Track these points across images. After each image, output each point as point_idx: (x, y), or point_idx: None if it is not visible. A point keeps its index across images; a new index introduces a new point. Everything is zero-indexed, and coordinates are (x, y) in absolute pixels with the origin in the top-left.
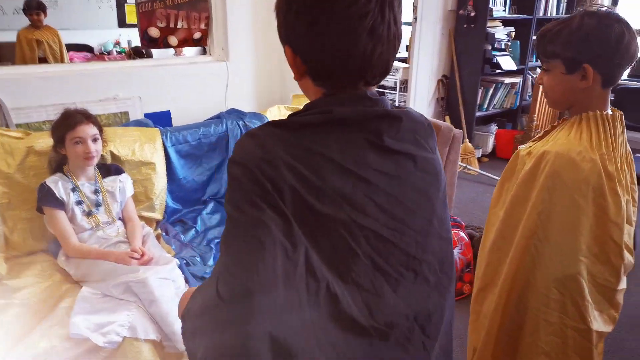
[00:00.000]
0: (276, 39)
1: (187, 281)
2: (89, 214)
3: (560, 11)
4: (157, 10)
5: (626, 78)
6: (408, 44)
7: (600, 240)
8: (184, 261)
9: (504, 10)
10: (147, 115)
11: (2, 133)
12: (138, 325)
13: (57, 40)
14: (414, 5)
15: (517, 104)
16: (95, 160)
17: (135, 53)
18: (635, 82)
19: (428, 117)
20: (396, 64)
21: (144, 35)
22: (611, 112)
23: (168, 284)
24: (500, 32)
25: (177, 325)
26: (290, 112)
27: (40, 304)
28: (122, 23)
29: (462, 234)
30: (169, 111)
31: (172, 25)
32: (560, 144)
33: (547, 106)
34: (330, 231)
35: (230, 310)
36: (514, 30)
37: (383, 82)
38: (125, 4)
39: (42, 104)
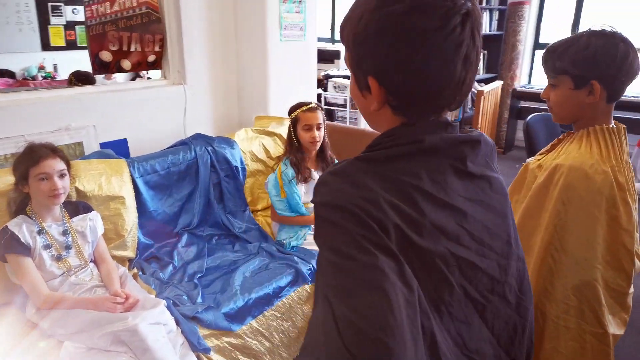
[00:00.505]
0: (233, 60)
1: (177, 323)
2: (58, 259)
3: (492, 28)
4: (108, 33)
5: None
6: None
7: (613, 247)
8: (170, 301)
9: None
10: (102, 145)
11: None
12: None
13: None
14: None
15: (461, 117)
16: (63, 198)
17: (78, 78)
18: None
19: None
20: (345, 81)
21: (95, 60)
22: (615, 126)
23: (159, 328)
24: None
25: None
26: (256, 134)
27: None
28: (45, 46)
29: None
30: (125, 139)
31: (124, 48)
32: (572, 157)
33: (491, 117)
34: (429, 265)
35: None
36: None
37: (332, 100)
38: (49, 26)
39: None
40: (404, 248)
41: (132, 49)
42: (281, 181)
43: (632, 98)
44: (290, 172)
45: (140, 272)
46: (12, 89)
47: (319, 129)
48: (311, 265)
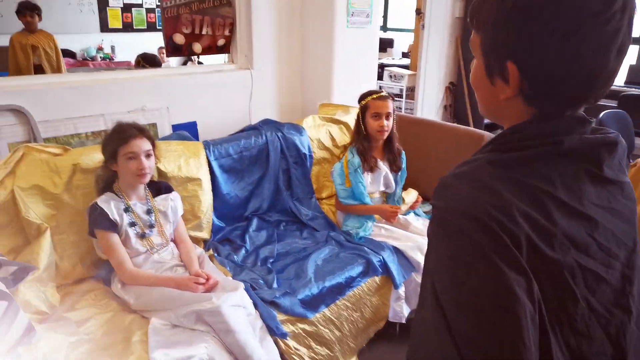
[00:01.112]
0: (298, 46)
1: (256, 306)
2: (142, 236)
3: None
4: (182, 16)
5: (623, 85)
6: (408, 51)
7: None
8: (248, 284)
9: None
10: (174, 127)
11: (41, 149)
12: (216, 357)
13: (52, 45)
14: (420, 12)
15: None
16: (148, 178)
17: (145, 61)
18: (634, 89)
19: None
20: (401, 71)
21: (169, 42)
22: None
23: (240, 311)
24: None
25: (255, 356)
26: (323, 122)
27: (109, 338)
28: (104, 28)
29: None
30: (195, 122)
31: (197, 31)
32: None
33: None
34: (556, 277)
35: None
36: None
37: (388, 89)
38: (108, 8)
39: (70, 116)
40: (533, 260)
41: (204, 32)
42: (347, 170)
43: None
44: (357, 160)
45: (216, 254)
46: (89, 68)
47: (387, 118)
48: (381, 257)
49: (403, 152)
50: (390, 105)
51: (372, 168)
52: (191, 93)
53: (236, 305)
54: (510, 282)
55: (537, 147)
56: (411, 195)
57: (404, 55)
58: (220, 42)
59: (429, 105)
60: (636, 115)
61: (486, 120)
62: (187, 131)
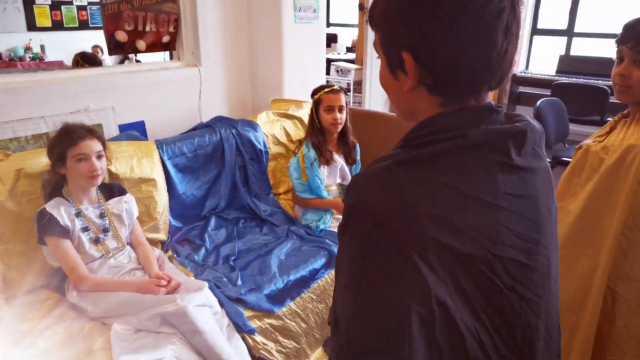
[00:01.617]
0: (246, 41)
1: (221, 304)
2: (96, 241)
3: None
4: (124, 12)
5: (554, 74)
6: (352, 45)
7: None
8: (212, 283)
9: None
10: (121, 127)
11: None
12: (184, 358)
13: None
14: (363, 8)
15: None
16: (100, 180)
17: (85, 60)
18: (565, 78)
19: None
20: (348, 65)
21: (110, 40)
22: None
23: (206, 310)
24: None
25: (224, 354)
26: (277, 117)
27: (69, 348)
28: (31, 26)
29: None
30: (143, 121)
31: (140, 28)
32: None
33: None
34: (472, 271)
35: None
36: None
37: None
38: (34, 5)
39: (7, 119)
40: (445, 258)
41: (147, 29)
42: (303, 164)
43: None
44: (312, 154)
45: (175, 255)
46: (17, 69)
47: (340, 111)
48: None
49: (357, 144)
50: (343, 98)
51: (327, 161)
52: (137, 92)
53: (201, 305)
54: (394, 278)
55: (443, 142)
56: None
57: (348, 50)
58: (165, 38)
59: (376, 98)
60: (569, 102)
61: None
62: (135, 131)
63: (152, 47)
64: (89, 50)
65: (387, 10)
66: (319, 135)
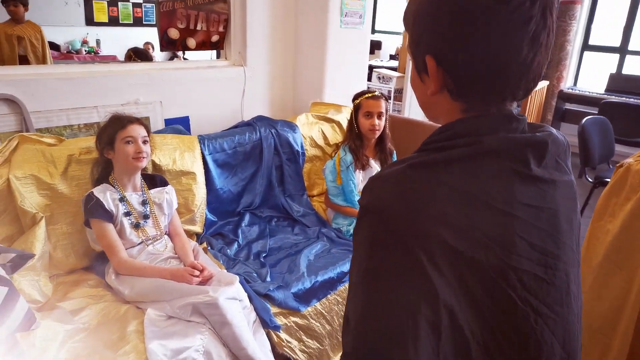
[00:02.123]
0: (291, 44)
1: (250, 299)
2: (137, 227)
3: None
4: (178, 10)
5: (603, 92)
6: (395, 53)
7: None
8: (242, 277)
9: None
10: (167, 121)
11: (36, 139)
12: (212, 349)
13: (39, 37)
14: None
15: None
16: (145, 162)
17: (137, 55)
18: (614, 97)
19: None
20: (390, 72)
21: (163, 36)
22: None
23: (236, 304)
24: None
25: (249, 348)
26: (316, 120)
27: (104, 327)
28: (89, 21)
29: None
30: (188, 117)
31: (191, 26)
32: None
33: (535, 117)
34: (483, 279)
35: None
36: None
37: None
38: (93, 1)
39: (62, 107)
40: (452, 261)
41: (198, 27)
42: (339, 167)
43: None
44: (349, 158)
45: (209, 247)
46: (73, 61)
47: (379, 117)
48: None
49: (394, 152)
50: (383, 104)
51: (363, 166)
52: (184, 88)
53: (232, 298)
54: (407, 289)
55: (458, 148)
56: None
57: (392, 57)
58: (214, 38)
59: (416, 106)
60: (617, 122)
61: None
62: (180, 125)
63: (201, 46)
64: (141, 46)
65: (415, 13)
66: (356, 139)
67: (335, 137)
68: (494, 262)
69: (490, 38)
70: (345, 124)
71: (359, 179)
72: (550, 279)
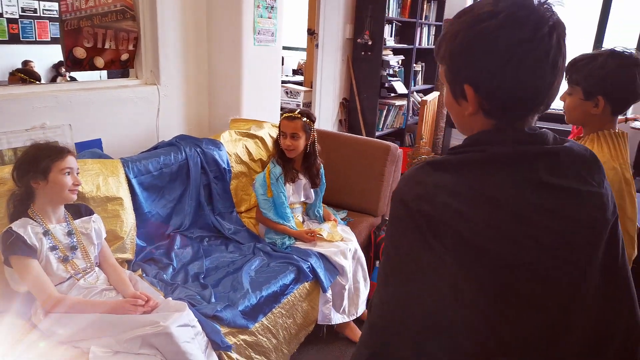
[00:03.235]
0: (205, 61)
1: (199, 323)
2: (65, 260)
3: (430, 42)
4: (84, 29)
5: None
6: (297, 68)
7: None
8: (186, 302)
9: (391, 40)
10: (78, 145)
11: None
12: None
13: None
14: (313, 32)
15: (405, 124)
16: (76, 196)
17: (28, 75)
18: None
19: None
20: (297, 87)
21: (68, 56)
22: (619, 131)
23: (188, 331)
24: (392, 60)
25: None
26: (239, 137)
27: None
28: None
29: None
30: (100, 139)
31: (99, 45)
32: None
33: (430, 125)
34: (492, 269)
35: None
36: (403, 57)
37: (285, 105)
38: None
39: None
40: (457, 244)
41: (107, 46)
42: (269, 180)
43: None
44: (278, 170)
45: (144, 274)
46: None
47: (292, 137)
48: (310, 263)
49: (322, 166)
50: (298, 125)
51: (292, 179)
52: (94, 109)
53: (184, 325)
54: (421, 273)
55: (468, 153)
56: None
57: (294, 72)
58: (124, 56)
59: (326, 119)
60: None
61: (380, 132)
62: (97, 149)
63: (110, 65)
64: (19, 65)
65: (451, 50)
66: (282, 155)
67: (260, 152)
68: (504, 255)
69: (519, 70)
70: (267, 139)
71: (289, 192)
72: (558, 279)
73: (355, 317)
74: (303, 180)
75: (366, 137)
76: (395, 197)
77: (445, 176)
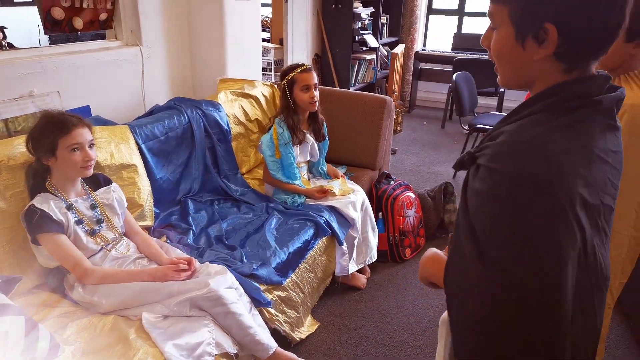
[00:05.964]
0: (184, 20)
1: (239, 282)
2: (92, 233)
3: None
4: None
5: (451, 51)
6: (267, 25)
7: None
8: (222, 263)
9: None
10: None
11: None
12: (220, 340)
13: None
14: None
15: (375, 78)
16: (92, 169)
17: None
18: (460, 54)
19: None
20: (266, 44)
21: (47, 17)
22: None
23: (233, 292)
24: (363, 12)
25: (254, 333)
26: (235, 97)
27: (100, 342)
28: None
29: (412, 195)
30: (88, 106)
31: (77, 4)
32: (630, 97)
33: (398, 78)
34: (593, 219)
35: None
36: (372, 9)
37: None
38: None
39: None
40: (582, 210)
41: (85, 5)
42: (277, 141)
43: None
44: (287, 135)
45: (168, 240)
46: None
47: (316, 88)
48: (325, 218)
49: (325, 122)
50: (315, 76)
51: (300, 141)
52: (81, 74)
53: (229, 287)
54: (556, 237)
55: (582, 108)
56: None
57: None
58: (103, 16)
59: None
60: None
61: (353, 88)
62: (100, 115)
63: (90, 25)
64: None
65: None
66: (294, 115)
67: (255, 112)
68: (598, 204)
69: (604, 8)
70: (261, 99)
71: (296, 152)
72: (614, 207)
73: (364, 265)
74: (310, 141)
75: (362, 92)
76: (518, 174)
77: (569, 141)
